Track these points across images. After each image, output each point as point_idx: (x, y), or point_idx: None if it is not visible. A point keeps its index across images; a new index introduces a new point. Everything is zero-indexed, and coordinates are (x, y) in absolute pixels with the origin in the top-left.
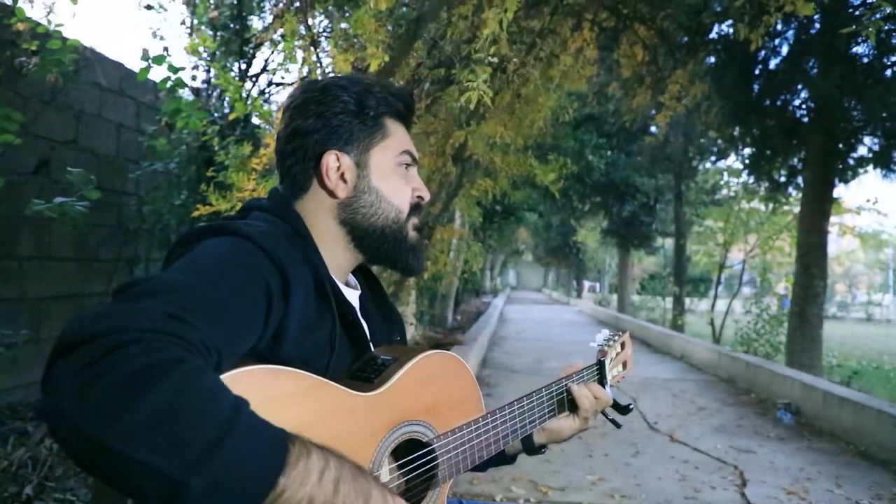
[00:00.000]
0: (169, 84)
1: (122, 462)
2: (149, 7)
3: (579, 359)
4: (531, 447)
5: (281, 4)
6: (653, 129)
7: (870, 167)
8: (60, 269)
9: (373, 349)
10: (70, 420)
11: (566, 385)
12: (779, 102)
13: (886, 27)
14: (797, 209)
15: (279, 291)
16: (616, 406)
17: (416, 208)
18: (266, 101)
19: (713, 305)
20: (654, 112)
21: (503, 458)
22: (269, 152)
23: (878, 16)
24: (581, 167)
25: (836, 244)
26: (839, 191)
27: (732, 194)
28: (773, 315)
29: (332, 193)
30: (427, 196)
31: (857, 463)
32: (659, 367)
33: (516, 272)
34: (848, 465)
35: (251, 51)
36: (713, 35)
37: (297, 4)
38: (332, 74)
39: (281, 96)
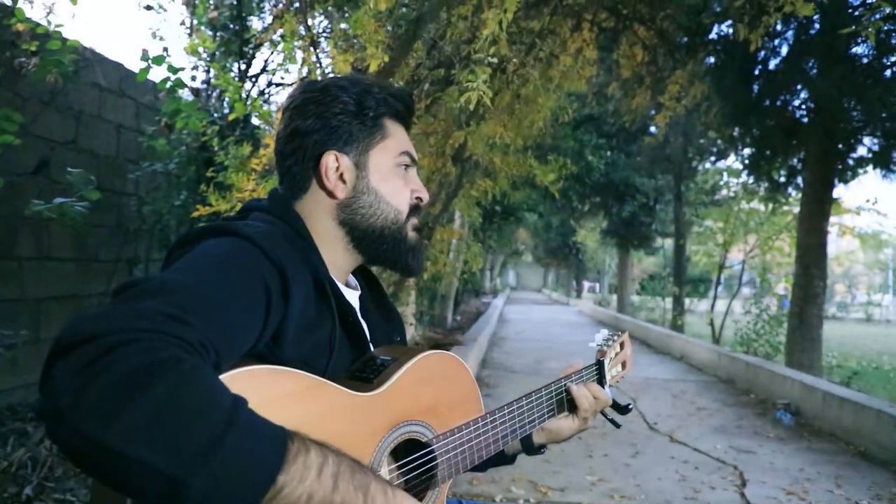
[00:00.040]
0: (168, 84)
1: (122, 462)
2: (148, 7)
3: (579, 359)
4: (530, 447)
5: (280, 5)
6: (652, 129)
7: (869, 167)
8: (60, 270)
9: (372, 349)
10: (69, 421)
11: (565, 385)
12: (778, 103)
13: (886, 27)
14: (797, 209)
15: (278, 292)
16: (615, 406)
17: (415, 209)
18: (266, 101)
19: (713, 306)
20: (653, 112)
21: (502, 459)
22: (269, 153)
23: (877, 16)
24: (581, 167)
25: (836, 244)
26: (839, 191)
27: (732, 195)
28: (773, 315)
29: (331, 194)
30: (426, 197)
31: (857, 463)
32: (659, 368)
33: (516, 273)
34: (847, 465)
35: (251, 51)
36: (713, 35)
37: (297, 5)
38: (331, 75)
39: (281, 97)
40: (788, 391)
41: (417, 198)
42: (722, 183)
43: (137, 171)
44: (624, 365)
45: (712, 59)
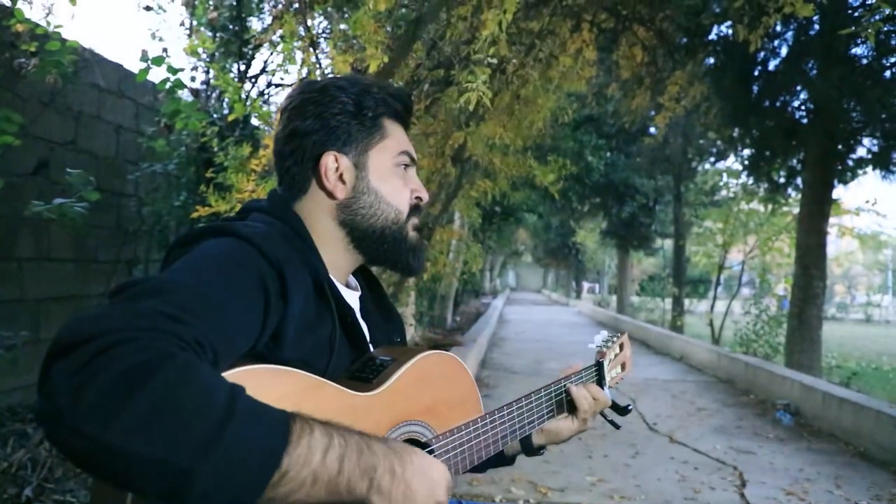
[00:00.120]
0: (168, 85)
1: (125, 460)
2: (148, 8)
3: (579, 360)
4: (530, 448)
5: (280, 6)
6: (652, 130)
7: (869, 168)
8: (60, 271)
9: (372, 350)
10: (68, 421)
11: (565, 386)
12: (778, 103)
13: (885, 28)
14: (796, 210)
15: (277, 292)
16: (615, 407)
17: (415, 209)
18: (265, 102)
19: (712, 306)
20: (653, 113)
21: (502, 459)
22: (269, 153)
23: (877, 17)
24: (580, 168)
25: (836, 245)
26: (838, 192)
27: (732, 195)
28: (773, 316)
29: (330, 194)
30: (426, 197)
31: (857, 463)
32: (658, 368)
33: (516, 273)
34: (847, 465)
35: (250, 52)
36: (712, 36)
37: (296, 6)
38: (331, 75)
39: (280, 97)
40: (788, 392)
41: (417, 197)
42: (721, 184)
43: (137, 171)
44: (623, 366)
45: (712, 60)
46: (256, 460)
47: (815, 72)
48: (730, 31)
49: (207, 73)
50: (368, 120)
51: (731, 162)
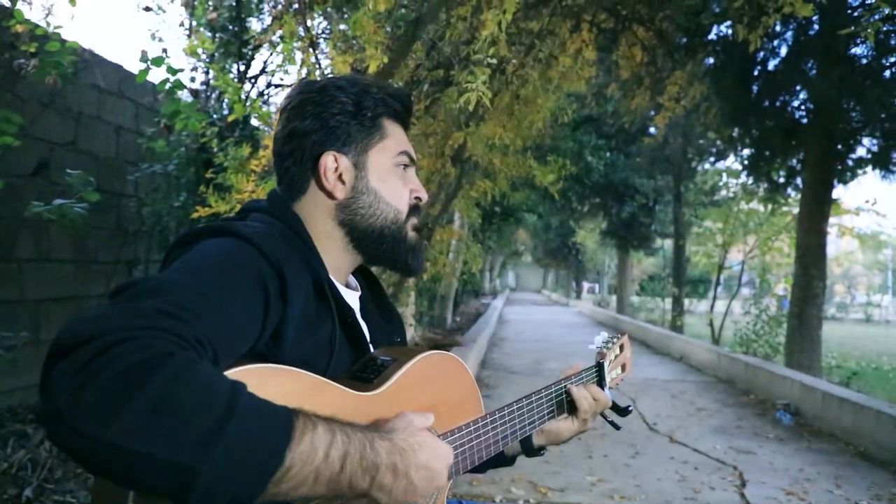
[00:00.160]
0: (168, 86)
1: (126, 459)
2: (147, 9)
3: (579, 360)
4: (530, 448)
5: (279, 6)
6: (652, 130)
7: (868, 168)
8: (59, 271)
9: (372, 350)
10: (68, 421)
11: (565, 387)
12: (778, 103)
13: (885, 28)
14: (796, 210)
15: (276, 292)
16: (615, 408)
17: (414, 209)
18: (265, 102)
19: (712, 306)
20: (652, 113)
21: (502, 460)
22: (268, 154)
23: (876, 17)
24: (580, 168)
25: (835, 245)
26: (838, 192)
27: (731, 195)
28: (773, 316)
29: (330, 195)
30: (425, 197)
31: (857, 463)
32: (658, 368)
33: (515, 273)
34: (847, 465)
35: (250, 52)
36: (712, 36)
37: (296, 6)
38: (330, 75)
39: (280, 98)
40: (788, 391)
41: (417, 198)
42: (721, 183)
43: (137, 172)
44: (624, 367)
45: (711, 60)
46: (258, 457)
47: (814, 72)
48: (729, 31)
49: (207, 73)
50: (368, 120)
51: (731, 162)
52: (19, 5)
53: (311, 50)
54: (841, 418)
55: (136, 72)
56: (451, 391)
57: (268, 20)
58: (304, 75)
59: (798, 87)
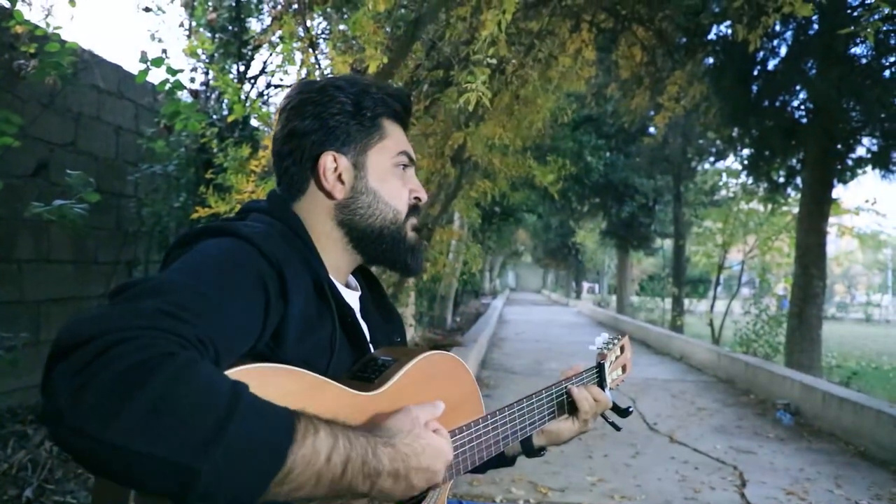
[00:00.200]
0: (167, 86)
1: (127, 459)
2: (147, 9)
3: (579, 360)
4: (530, 449)
5: (279, 6)
6: (651, 129)
7: (868, 168)
8: (59, 272)
9: (373, 350)
10: (69, 421)
11: (566, 387)
12: (777, 103)
13: (885, 28)
14: (796, 210)
15: (277, 292)
16: (616, 409)
17: (414, 209)
18: (265, 102)
19: (712, 306)
20: (652, 113)
21: (502, 460)
22: (268, 154)
23: (876, 16)
24: (580, 168)
25: (835, 245)
26: (838, 191)
27: (731, 195)
28: (773, 316)
29: (329, 195)
30: (424, 197)
31: (857, 463)
32: (658, 368)
33: (515, 273)
34: (847, 465)
35: (249, 53)
36: (712, 36)
37: (296, 6)
38: (330, 76)
39: (280, 98)
40: (788, 391)
41: (416, 198)
42: (721, 183)
43: (136, 172)
44: (624, 368)
45: (711, 60)
46: (260, 458)
47: (814, 71)
48: (729, 31)
49: (207, 74)
50: (367, 120)
51: (731, 162)
52: (19, 6)
53: (310, 50)
54: (841, 418)
55: (135, 72)
56: (451, 391)
57: (267, 20)
58: (303, 76)
59: (798, 87)
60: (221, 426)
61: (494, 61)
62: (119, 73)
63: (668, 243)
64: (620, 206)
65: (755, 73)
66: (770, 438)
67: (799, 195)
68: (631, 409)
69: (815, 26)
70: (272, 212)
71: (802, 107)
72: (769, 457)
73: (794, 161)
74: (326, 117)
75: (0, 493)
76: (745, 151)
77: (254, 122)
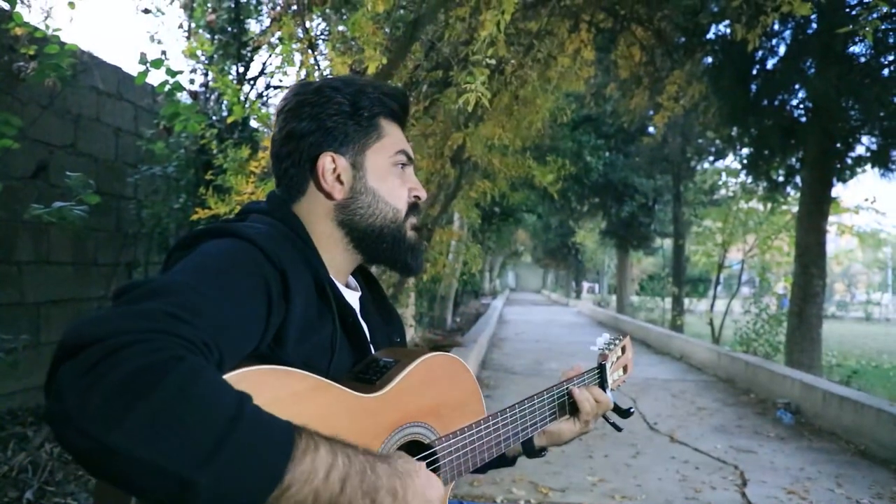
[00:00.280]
0: (167, 88)
1: (129, 463)
2: (146, 11)
3: (579, 360)
4: (531, 449)
5: (278, 8)
6: (651, 129)
7: (868, 166)
8: (59, 274)
9: (373, 351)
10: (75, 423)
11: (567, 388)
12: (776, 102)
13: (883, 26)
14: (795, 209)
15: (279, 293)
16: (617, 410)
17: (413, 208)
18: (264, 104)
19: (712, 305)
20: (651, 113)
21: (503, 460)
22: (268, 155)
23: (874, 15)
24: (579, 168)
25: (835, 243)
26: (837, 190)
27: (731, 194)
28: (773, 315)
29: (328, 195)
30: (424, 195)
31: (857, 462)
32: (658, 368)
33: (515, 274)
34: (848, 464)
35: (249, 54)
36: (710, 35)
37: (295, 7)
38: (327, 76)
39: (279, 99)
40: (788, 390)
41: (415, 196)
42: (720, 183)
43: (136, 174)
44: (625, 369)
45: (710, 60)
46: (259, 474)
47: (813, 70)
48: (728, 31)
49: (206, 75)
50: (364, 120)
51: (730, 161)
52: (18, 8)
53: (309, 51)
54: (841, 417)
55: (135, 74)
56: (453, 393)
57: (266, 22)
58: (303, 77)
59: (797, 86)
60: (223, 439)
61: (493, 62)
62: (118, 74)
63: (667, 243)
64: (620, 206)
65: (754, 72)
66: (770, 438)
67: (798, 194)
68: (632, 410)
69: (814, 25)
70: (272, 213)
71: (801, 106)
72: (770, 456)
73: (794, 160)
74: (324, 118)
75: (0, 495)
76: (745, 151)
77: (253, 124)
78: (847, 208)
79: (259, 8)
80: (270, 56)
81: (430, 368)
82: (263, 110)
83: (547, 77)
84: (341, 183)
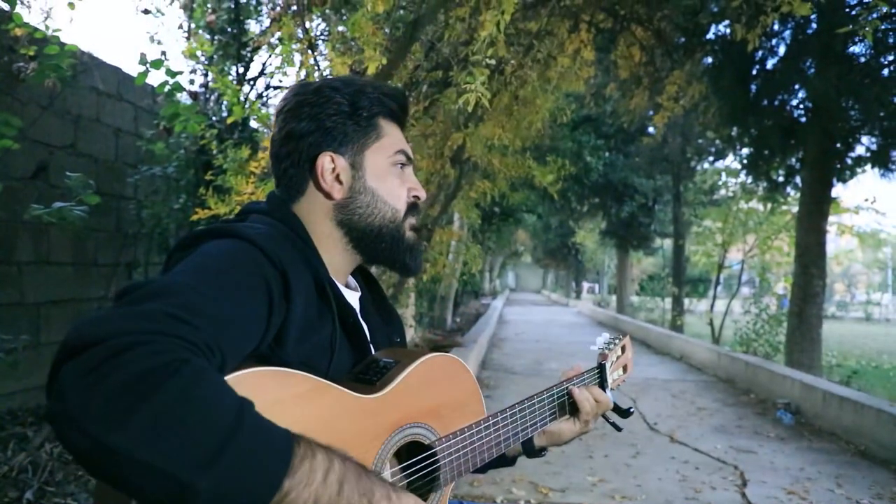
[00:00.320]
0: (167, 88)
1: (129, 464)
2: (146, 11)
3: (579, 360)
4: (531, 450)
5: (278, 8)
6: (651, 129)
7: (868, 166)
8: (59, 274)
9: (373, 351)
10: (77, 424)
11: (567, 388)
12: (776, 102)
13: (883, 26)
14: (795, 209)
15: (280, 293)
16: (617, 409)
17: (412, 208)
18: (264, 104)
19: (712, 306)
20: (651, 113)
21: (503, 461)
22: (267, 156)
23: (874, 15)
24: (579, 168)
25: (835, 243)
26: (837, 190)
27: (731, 194)
28: (773, 315)
29: (328, 195)
30: (423, 195)
31: (857, 462)
32: (658, 368)
33: (515, 274)
34: (848, 464)
35: (249, 54)
36: (710, 36)
37: (295, 8)
38: (326, 76)
39: (278, 100)
40: (788, 391)
41: (415, 196)
42: (720, 183)
43: (136, 174)
44: (625, 369)
45: (710, 60)
46: (258, 479)
47: (813, 70)
48: (728, 31)
49: (206, 75)
50: (364, 120)
51: (730, 161)
52: (18, 8)
53: (309, 52)
54: (841, 417)
55: (135, 74)
56: (453, 393)
57: (266, 22)
58: (302, 77)
59: (797, 86)
60: (224, 445)
61: (493, 62)
62: (118, 75)
63: (667, 243)
64: (620, 206)
65: (754, 72)
66: (770, 438)
67: (798, 194)
68: (632, 410)
69: (814, 25)
70: (272, 213)
71: (801, 106)
72: (770, 456)
73: (794, 160)
74: (323, 118)
75: (0, 495)
76: (745, 151)
77: (253, 124)
78: (847, 208)
79: (259, 8)
80: (270, 56)
81: (430, 369)
82: (263, 111)
83: (547, 77)
84: (340, 183)
